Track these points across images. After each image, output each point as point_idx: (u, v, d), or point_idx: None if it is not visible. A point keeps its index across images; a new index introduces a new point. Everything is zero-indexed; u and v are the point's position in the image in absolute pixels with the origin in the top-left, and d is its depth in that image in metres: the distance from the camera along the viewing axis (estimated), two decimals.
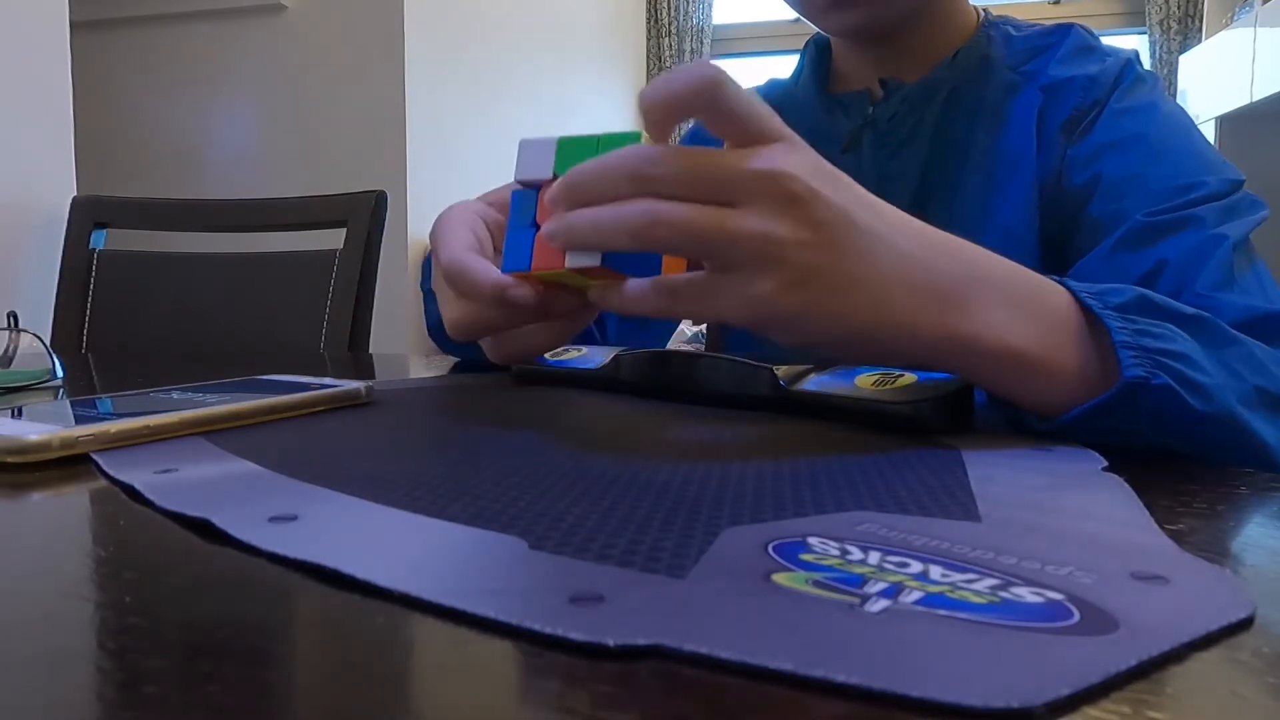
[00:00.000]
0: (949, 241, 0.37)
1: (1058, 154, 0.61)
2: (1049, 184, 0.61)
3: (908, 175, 0.64)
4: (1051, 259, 0.60)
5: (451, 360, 0.75)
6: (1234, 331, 0.40)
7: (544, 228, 0.36)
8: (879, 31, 0.65)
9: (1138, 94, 0.60)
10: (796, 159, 0.34)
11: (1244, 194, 0.54)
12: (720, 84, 0.34)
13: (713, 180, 0.33)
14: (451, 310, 0.45)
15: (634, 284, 0.36)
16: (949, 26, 0.67)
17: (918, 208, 0.37)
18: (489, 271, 0.41)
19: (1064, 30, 0.65)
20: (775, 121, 0.35)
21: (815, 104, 0.71)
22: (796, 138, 0.35)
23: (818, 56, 0.72)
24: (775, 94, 0.76)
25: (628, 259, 0.37)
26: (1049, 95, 0.62)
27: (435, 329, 0.67)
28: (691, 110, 0.34)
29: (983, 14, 0.69)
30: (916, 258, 0.35)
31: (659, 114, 0.35)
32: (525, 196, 0.41)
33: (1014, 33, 0.67)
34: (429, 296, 0.65)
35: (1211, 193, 0.52)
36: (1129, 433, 0.36)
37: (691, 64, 0.36)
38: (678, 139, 0.39)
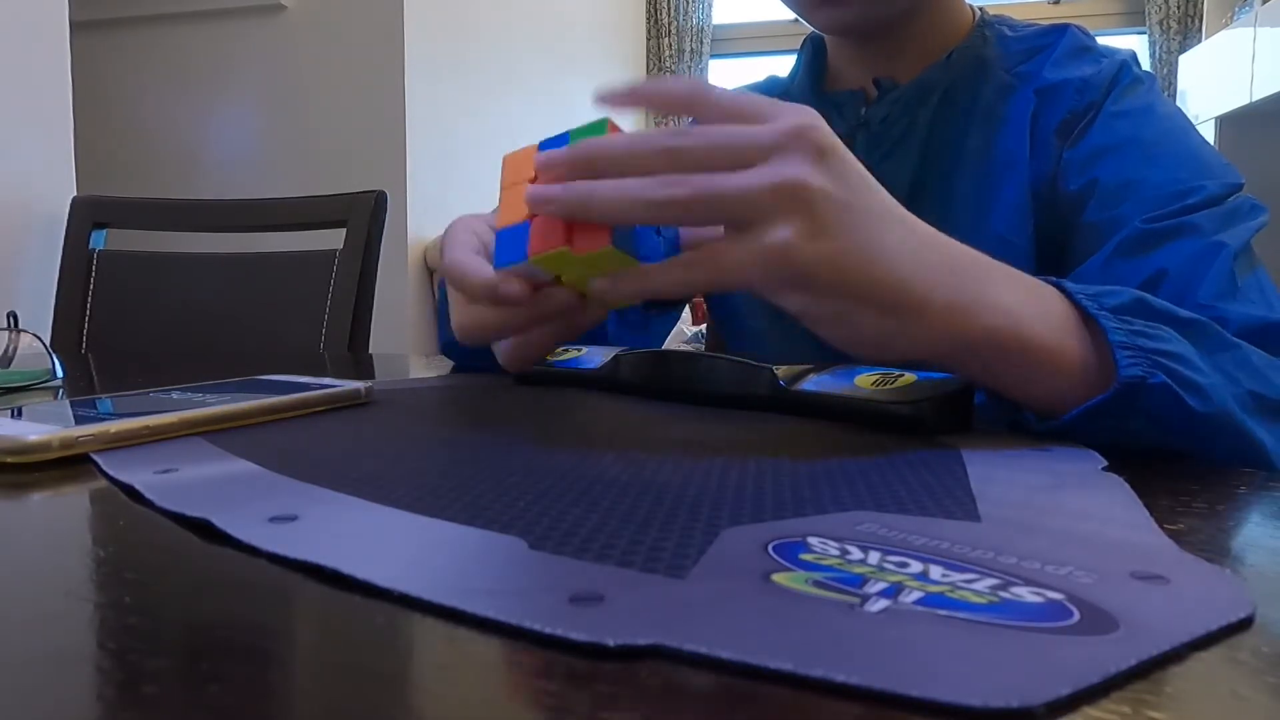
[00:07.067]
0: (952, 241, 0.38)
1: (1053, 158, 0.60)
2: (1043, 188, 0.60)
3: (899, 178, 0.64)
4: (1047, 265, 0.59)
5: (452, 360, 0.75)
6: (1231, 337, 0.40)
7: (552, 191, 0.34)
8: (871, 29, 0.64)
9: (1134, 96, 0.59)
10: (816, 118, 0.35)
11: (1244, 198, 0.53)
12: (707, 86, 0.37)
13: (739, 147, 0.34)
14: (458, 315, 0.44)
15: (646, 265, 0.36)
16: (944, 25, 0.66)
17: (910, 211, 0.37)
18: (483, 268, 0.40)
19: (1060, 31, 0.64)
20: (778, 102, 0.36)
21: (810, 103, 0.71)
22: (806, 110, 0.36)
23: (814, 54, 0.72)
24: (774, 92, 0.76)
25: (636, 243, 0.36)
26: (1043, 98, 0.61)
27: (446, 347, 0.68)
28: (680, 106, 0.38)
29: (979, 13, 0.69)
30: (929, 238, 0.36)
31: (638, 102, 0.38)
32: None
33: (1009, 33, 0.66)
34: (444, 316, 0.66)
35: (1210, 197, 0.52)
36: (1127, 433, 0.36)
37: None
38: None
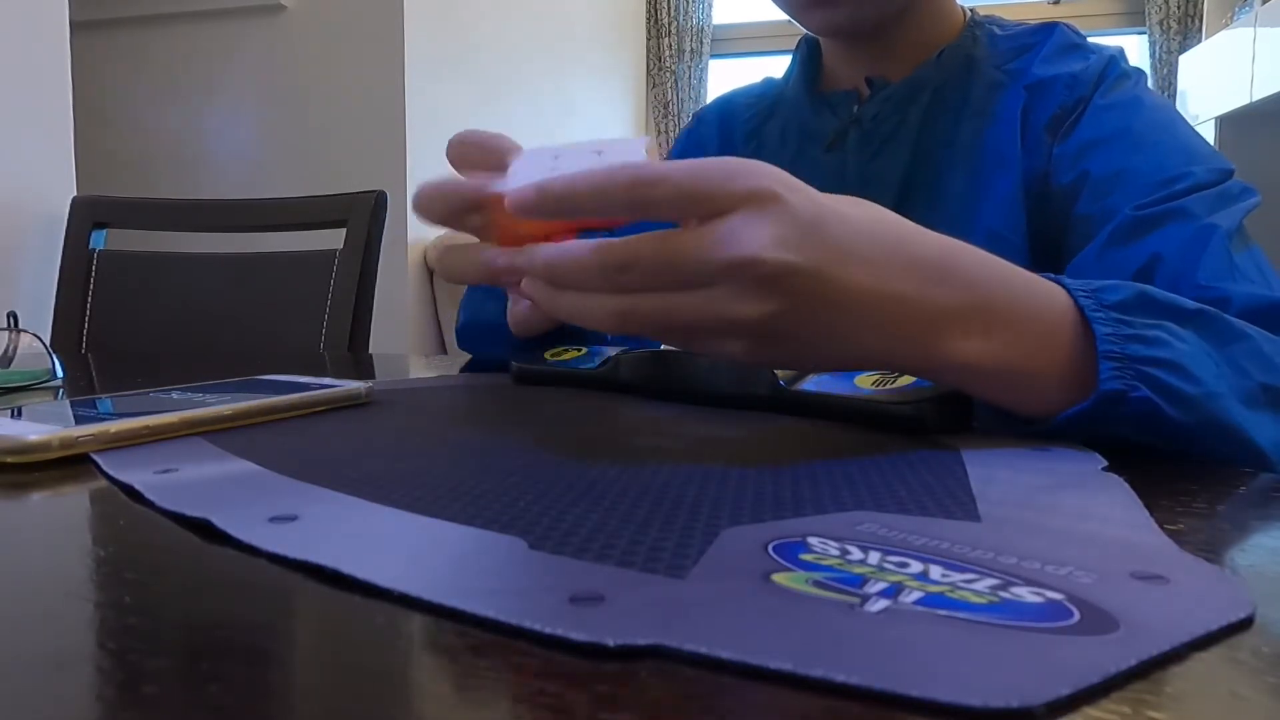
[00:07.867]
0: (944, 258, 0.35)
1: (1044, 153, 0.60)
2: (1035, 184, 0.60)
3: (890, 175, 0.64)
4: (1042, 260, 0.59)
5: (452, 361, 0.75)
6: (1240, 325, 0.39)
7: (529, 287, 0.36)
8: (862, 30, 0.65)
9: (1122, 89, 0.60)
10: (762, 233, 0.31)
11: (1233, 181, 0.53)
12: (638, 182, 0.32)
13: (680, 274, 0.32)
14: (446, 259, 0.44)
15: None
16: (935, 25, 0.67)
17: (901, 208, 0.36)
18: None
19: (1049, 29, 0.65)
20: (727, 182, 0.32)
21: (804, 103, 0.71)
22: (762, 184, 0.32)
23: (808, 55, 0.73)
24: (770, 93, 0.77)
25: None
26: (1033, 94, 0.62)
27: (463, 331, 0.70)
28: (614, 209, 0.33)
29: (969, 13, 0.69)
30: (899, 296, 0.33)
31: (560, 208, 0.34)
32: None
33: (999, 32, 0.67)
34: (463, 308, 0.69)
35: (1199, 183, 0.52)
36: (1115, 436, 0.36)
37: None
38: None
